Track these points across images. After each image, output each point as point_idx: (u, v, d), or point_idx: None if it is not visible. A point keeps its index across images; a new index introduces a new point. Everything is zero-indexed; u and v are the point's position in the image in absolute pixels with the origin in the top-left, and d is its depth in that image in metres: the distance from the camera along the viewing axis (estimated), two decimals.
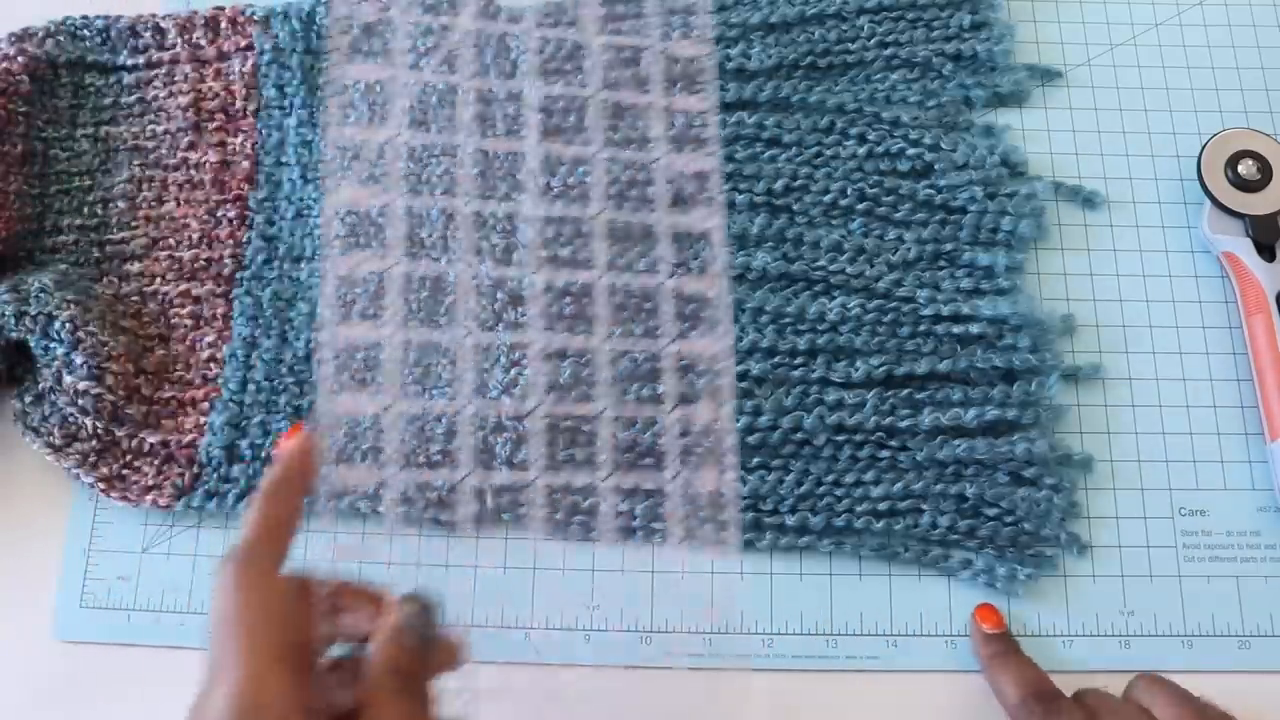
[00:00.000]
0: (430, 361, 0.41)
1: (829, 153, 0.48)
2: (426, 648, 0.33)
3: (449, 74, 0.42)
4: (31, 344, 0.44)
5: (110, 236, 0.48)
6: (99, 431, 0.44)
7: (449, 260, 0.41)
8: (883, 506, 0.44)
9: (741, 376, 0.45)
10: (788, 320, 0.46)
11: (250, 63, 0.50)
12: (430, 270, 0.41)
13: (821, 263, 0.47)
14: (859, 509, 0.44)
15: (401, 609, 0.33)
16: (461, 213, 0.40)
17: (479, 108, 0.42)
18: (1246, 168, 0.47)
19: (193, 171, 0.49)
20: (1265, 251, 0.46)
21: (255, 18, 0.51)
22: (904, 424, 0.44)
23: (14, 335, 0.44)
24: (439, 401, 0.40)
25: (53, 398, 0.44)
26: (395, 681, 0.32)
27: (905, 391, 0.45)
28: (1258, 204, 0.47)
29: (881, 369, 0.45)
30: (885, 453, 0.44)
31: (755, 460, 0.44)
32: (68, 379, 0.44)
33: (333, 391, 0.37)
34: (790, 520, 0.43)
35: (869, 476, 0.44)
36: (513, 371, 0.42)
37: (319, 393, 0.37)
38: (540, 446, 0.38)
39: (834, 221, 0.47)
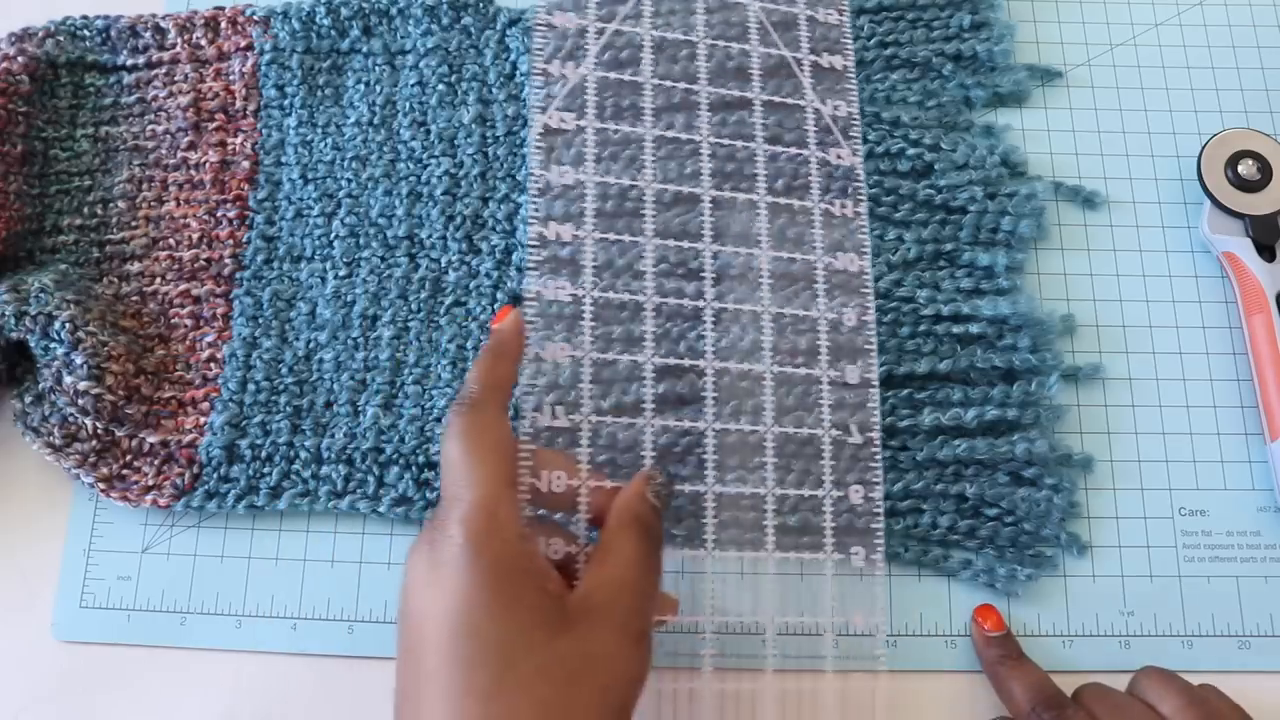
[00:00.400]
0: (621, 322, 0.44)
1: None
2: (662, 514, 0.38)
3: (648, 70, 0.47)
4: (31, 344, 0.44)
5: (110, 236, 0.48)
6: (99, 431, 0.44)
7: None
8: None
9: (743, 377, 0.44)
10: (788, 320, 0.46)
11: (250, 63, 0.50)
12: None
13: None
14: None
15: (650, 474, 0.38)
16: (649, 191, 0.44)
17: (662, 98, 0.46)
18: (1246, 168, 0.47)
19: (193, 171, 0.49)
20: (1265, 251, 0.46)
21: (255, 18, 0.51)
22: (904, 424, 0.44)
23: (14, 335, 0.44)
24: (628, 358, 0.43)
25: (53, 398, 0.45)
26: (638, 527, 0.37)
27: (905, 391, 0.45)
28: (1258, 204, 0.47)
29: (882, 369, 0.45)
30: (885, 452, 0.44)
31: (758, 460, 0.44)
32: (68, 379, 0.44)
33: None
34: (792, 520, 0.43)
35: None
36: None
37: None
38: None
39: (835, 221, 0.47)
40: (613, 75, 0.46)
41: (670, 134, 0.45)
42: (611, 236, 0.44)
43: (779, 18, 0.48)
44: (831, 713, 0.42)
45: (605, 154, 0.45)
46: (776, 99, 0.46)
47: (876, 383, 0.44)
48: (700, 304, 0.44)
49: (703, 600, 0.41)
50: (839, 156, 0.46)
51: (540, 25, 0.44)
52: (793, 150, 0.46)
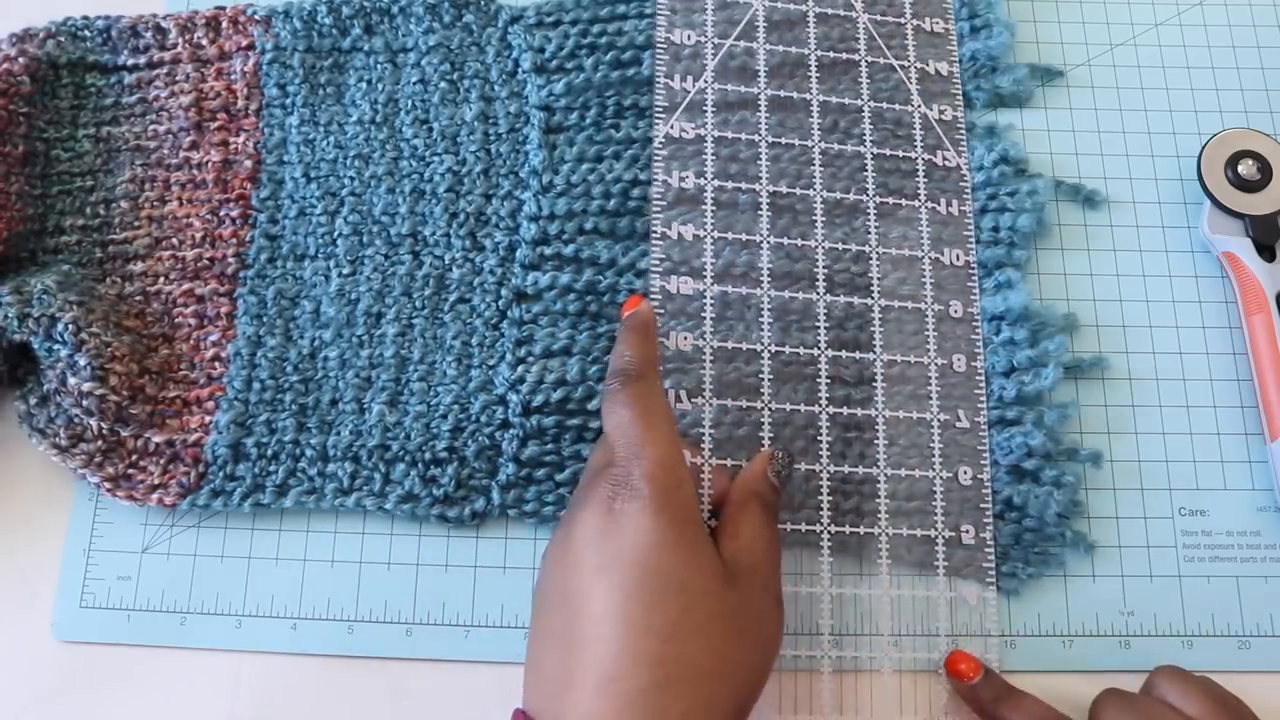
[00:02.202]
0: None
1: (829, 152, 0.48)
2: (781, 493, 0.41)
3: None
4: (35, 346, 0.44)
5: (113, 236, 0.48)
6: (104, 432, 0.44)
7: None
8: None
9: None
10: (793, 318, 0.46)
11: (252, 62, 0.50)
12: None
13: (824, 261, 0.47)
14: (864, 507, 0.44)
15: (772, 453, 0.41)
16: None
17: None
18: (1246, 168, 0.47)
19: (195, 171, 0.49)
20: (1265, 251, 0.46)
21: (257, 17, 0.51)
22: None
23: (17, 337, 0.44)
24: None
25: (58, 399, 0.45)
26: (760, 503, 0.39)
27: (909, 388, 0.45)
28: (1258, 204, 0.47)
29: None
30: None
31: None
32: (72, 380, 0.44)
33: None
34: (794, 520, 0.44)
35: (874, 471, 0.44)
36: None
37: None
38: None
39: (836, 220, 0.47)
40: (730, 87, 0.48)
41: (784, 140, 0.48)
42: (729, 236, 0.46)
43: (887, 29, 0.50)
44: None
45: (723, 157, 0.48)
46: (884, 105, 0.48)
47: (983, 370, 0.45)
48: (813, 297, 0.46)
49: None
50: (945, 159, 0.48)
51: (660, 42, 0.48)
52: (900, 152, 0.48)
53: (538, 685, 0.36)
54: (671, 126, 0.47)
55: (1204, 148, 0.48)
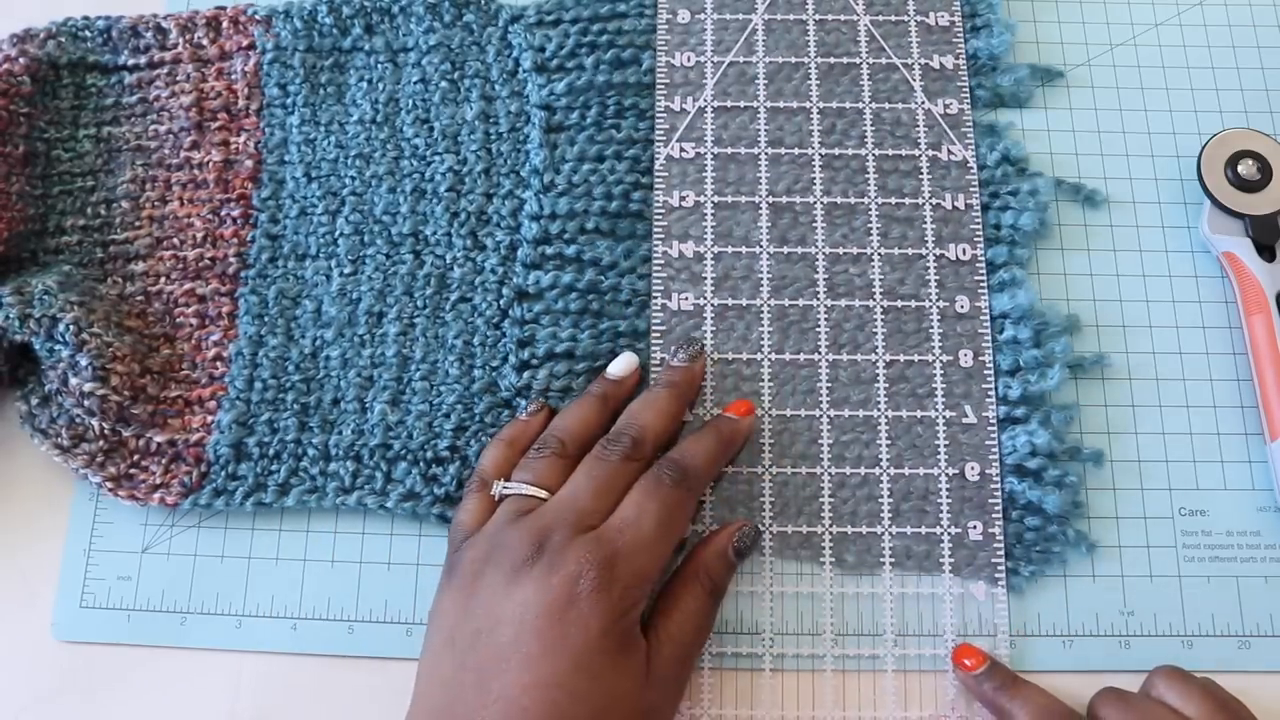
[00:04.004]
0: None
1: (829, 152, 0.48)
2: (738, 566, 0.42)
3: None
4: (36, 346, 0.44)
5: (114, 237, 0.48)
6: (106, 432, 0.44)
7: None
8: None
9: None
10: (792, 320, 0.46)
11: (253, 62, 0.50)
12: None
13: (823, 262, 0.47)
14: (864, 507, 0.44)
15: (744, 529, 0.41)
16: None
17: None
18: (1246, 168, 0.47)
19: (196, 171, 0.49)
20: (1265, 251, 0.46)
21: (257, 17, 0.51)
22: None
23: (18, 338, 0.44)
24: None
25: (59, 399, 0.45)
26: (709, 584, 0.40)
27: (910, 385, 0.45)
28: (1258, 204, 0.47)
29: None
30: None
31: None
32: (73, 381, 0.44)
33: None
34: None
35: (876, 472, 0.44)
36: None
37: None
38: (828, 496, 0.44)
39: (836, 221, 0.48)
40: (729, 104, 0.49)
41: (784, 151, 0.48)
42: (729, 250, 0.47)
43: (888, 28, 0.50)
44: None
45: (722, 176, 0.48)
46: (886, 105, 0.49)
47: (991, 366, 0.45)
48: (814, 304, 0.46)
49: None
50: (950, 153, 0.48)
51: (661, 67, 0.49)
52: (904, 151, 0.48)
53: (442, 715, 0.36)
54: (672, 148, 0.48)
55: (1204, 148, 0.48)
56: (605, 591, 0.37)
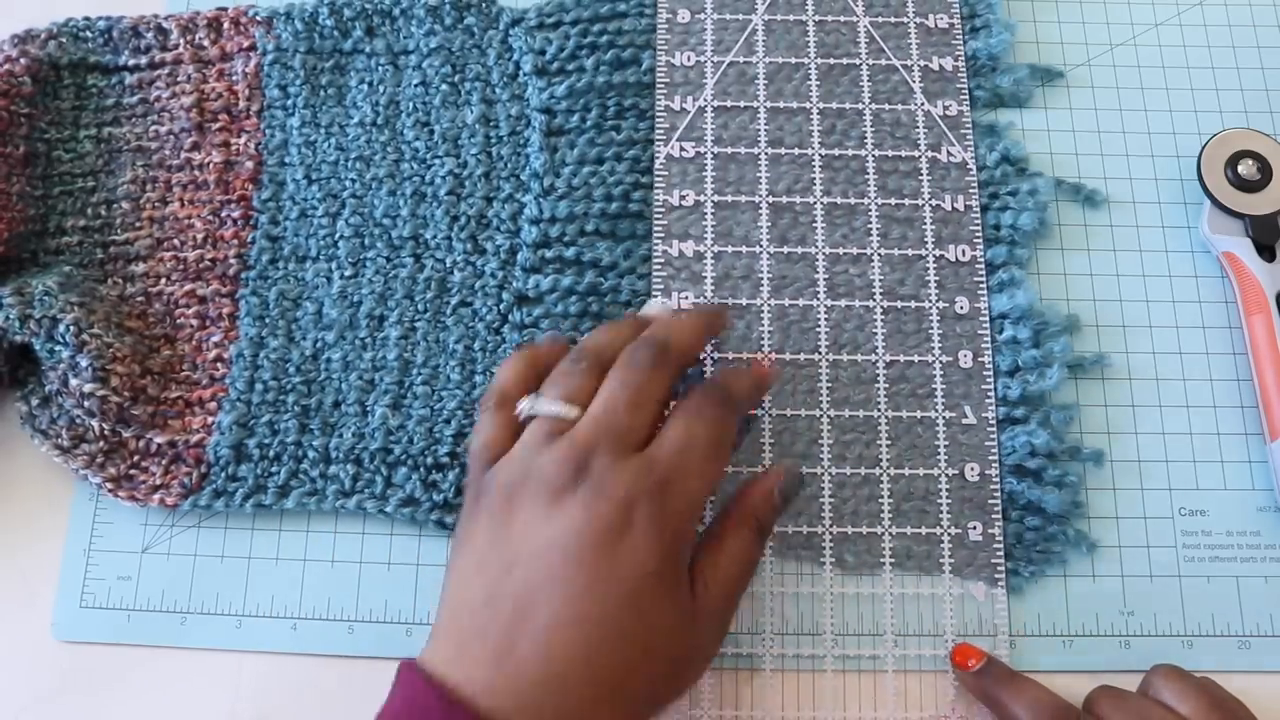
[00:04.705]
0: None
1: (829, 153, 0.49)
2: (783, 512, 0.40)
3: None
4: (36, 347, 0.44)
5: (114, 237, 0.48)
6: (106, 433, 0.44)
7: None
8: None
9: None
10: (792, 319, 0.46)
11: (253, 63, 0.50)
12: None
13: (823, 262, 0.47)
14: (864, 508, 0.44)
15: (788, 470, 0.40)
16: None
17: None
18: (1246, 168, 0.47)
19: (196, 172, 0.49)
20: (1265, 251, 0.46)
21: (258, 18, 0.51)
22: None
23: (19, 339, 0.44)
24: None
25: (59, 400, 0.45)
26: (755, 527, 0.38)
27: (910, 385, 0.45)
28: (1258, 204, 0.47)
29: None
30: None
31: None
32: (73, 381, 0.44)
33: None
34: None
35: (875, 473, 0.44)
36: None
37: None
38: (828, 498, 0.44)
39: (836, 221, 0.48)
40: (729, 104, 0.49)
41: (784, 151, 0.48)
42: (729, 249, 0.47)
43: (888, 30, 0.50)
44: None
45: (722, 175, 0.48)
46: (886, 106, 0.49)
47: (991, 366, 0.45)
48: (814, 304, 0.46)
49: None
50: (949, 154, 0.48)
51: (661, 67, 0.49)
52: (903, 152, 0.48)
53: (465, 647, 0.34)
54: (673, 147, 0.48)
55: (1204, 148, 0.48)
56: (658, 520, 0.35)
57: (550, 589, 0.34)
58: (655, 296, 0.46)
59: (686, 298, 0.46)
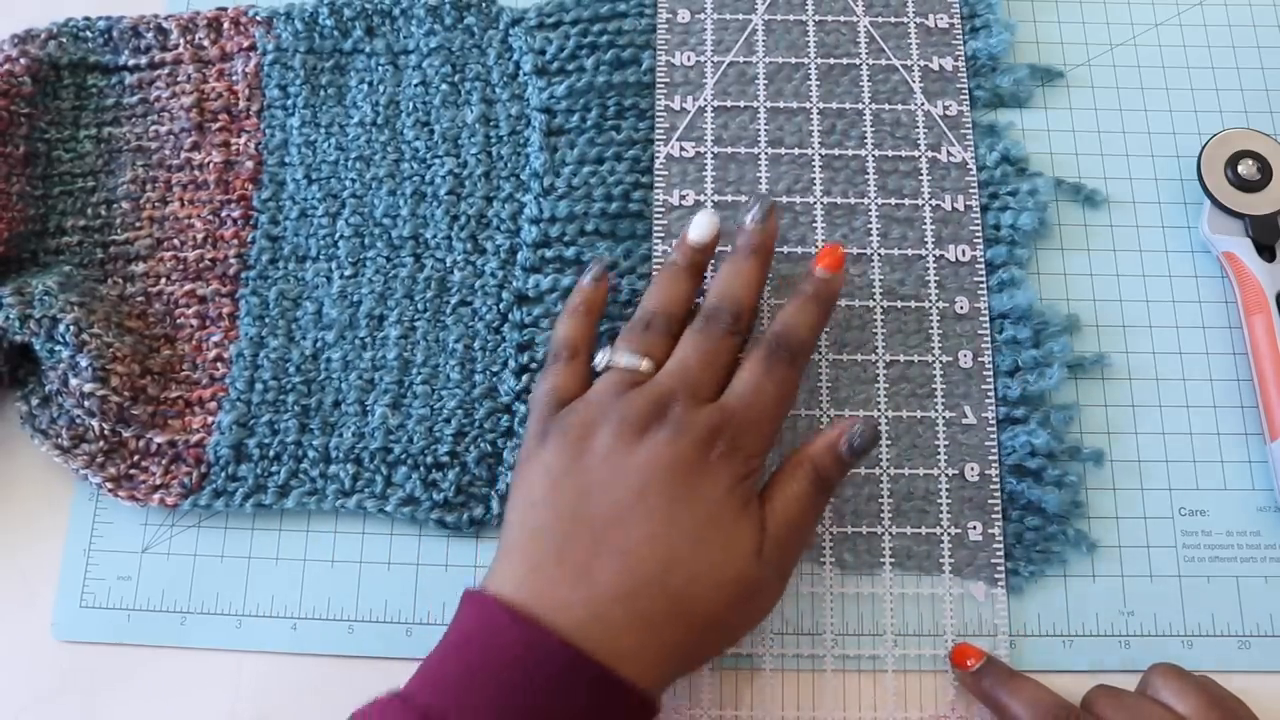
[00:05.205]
0: None
1: (829, 153, 0.49)
2: (853, 465, 0.41)
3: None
4: (36, 347, 0.44)
5: (114, 237, 0.48)
6: (106, 433, 0.44)
7: None
8: None
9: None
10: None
11: (253, 63, 0.50)
12: None
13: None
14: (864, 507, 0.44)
15: (863, 421, 0.40)
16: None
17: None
18: (1246, 167, 0.47)
19: (196, 172, 0.49)
20: (1265, 251, 0.46)
21: (258, 18, 0.51)
22: None
23: (19, 339, 0.44)
24: None
25: (59, 400, 0.45)
26: (817, 479, 0.39)
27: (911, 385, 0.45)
28: (1258, 204, 0.47)
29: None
30: None
31: None
32: (73, 381, 0.44)
33: None
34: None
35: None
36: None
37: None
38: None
39: (836, 221, 0.48)
40: (729, 104, 0.49)
41: (784, 151, 0.48)
42: (729, 249, 0.46)
43: (888, 30, 0.50)
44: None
45: (722, 175, 0.48)
46: (886, 106, 0.49)
47: (991, 366, 0.45)
48: None
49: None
50: (949, 154, 0.48)
51: (661, 66, 0.49)
52: (903, 152, 0.48)
53: (539, 569, 0.37)
54: (672, 147, 0.48)
55: (1204, 148, 0.48)
56: (731, 456, 0.38)
57: (630, 512, 0.37)
58: (706, 207, 0.46)
59: (737, 204, 0.45)
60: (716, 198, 0.48)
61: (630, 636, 0.36)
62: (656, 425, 0.38)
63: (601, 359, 0.41)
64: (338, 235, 0.48)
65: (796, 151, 0.48)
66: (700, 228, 0.43)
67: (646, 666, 0.36)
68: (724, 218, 0.46)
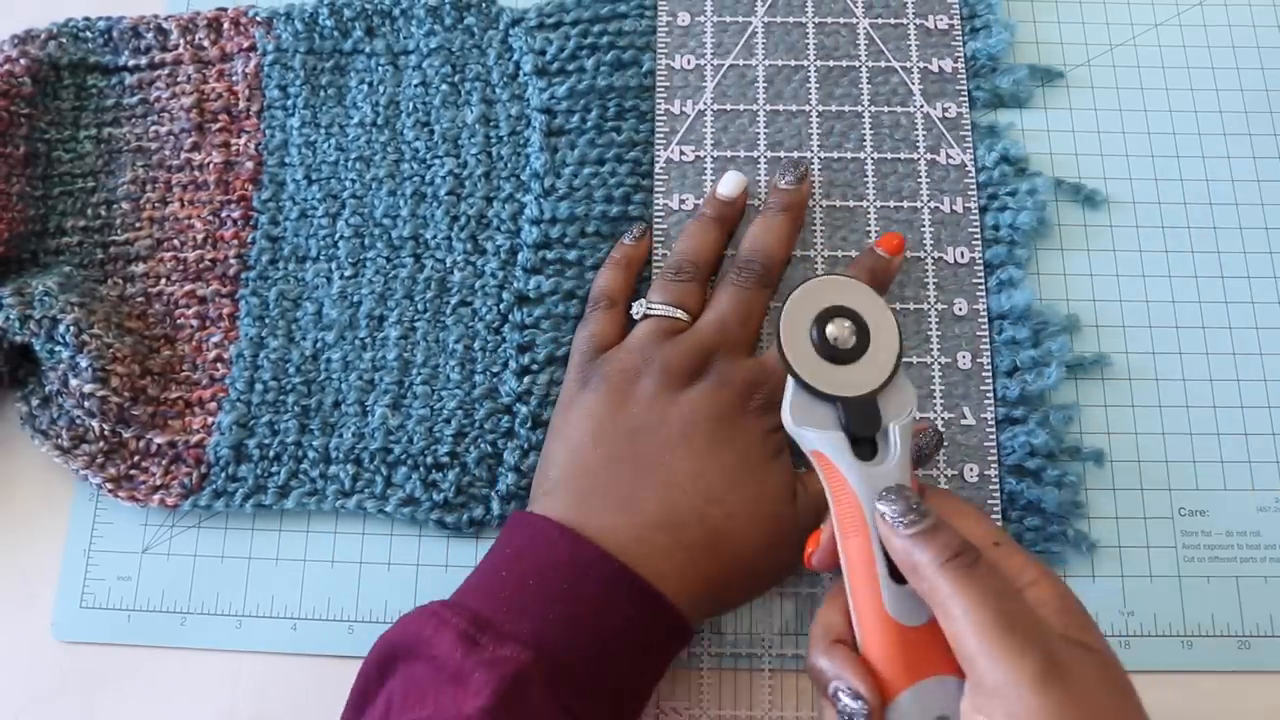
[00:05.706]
0: None
1: (829, 155, 0.49)
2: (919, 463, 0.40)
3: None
4: (36, 347, 0.44)
5: (114, 238, 0.48)
6: (106, 433, 0.44)
7: None
8: None
9: None
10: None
11: (253, 63, 0.51)
12: None
13: (823, 264, 0.47)
14: None
15: (930, 430, 0.40)
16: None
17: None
18: (838, 328, 0.35)
19: (196, 172, 0.49)
20: (862, 446, 0.34)
21: (258, 18, 0.51)
22: None
23: (19, 339, 0.44)
24: None
25: (59, 400, 0.45)
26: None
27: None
28: (852, 380, 0.35)
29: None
30: None
31: None
32: (73, 382, 0.44)
33: None
34: None
35: None
36: None
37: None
38: None
39: (836, 224, 0.48)
40: (729, 107, 0.49)
41: (784, 154, 0.48)
42: (730, 253, 0.47)
43: (887, 32, 0.50)
44: None
45: (722, 168, 0.48)
46: (885, 109, 0.49)
47: (989, 368, 0.45)
48: None
49: None
50: (949, 156, 0.48)
51: (661, 70, 0.49)
52: (902, 155, 0.48)
53: (585, 501, 0.39)
54: (672, 151, 0.48)
55: (785, 304, 0.36)
56: (769, 408, 0.40)
57: (672, 452, 0.40)
58: (731, 170, 0.47)
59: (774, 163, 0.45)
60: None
61: (670, 562, 0.38)
62: (699, 375, 0.41)
63: (638, 309, 0.44)
64: (338, 236, 0.48)
65: (796, 154, 0.48)
66: (729, 183, 0.46)
67: (684, 592, 0.37)
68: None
